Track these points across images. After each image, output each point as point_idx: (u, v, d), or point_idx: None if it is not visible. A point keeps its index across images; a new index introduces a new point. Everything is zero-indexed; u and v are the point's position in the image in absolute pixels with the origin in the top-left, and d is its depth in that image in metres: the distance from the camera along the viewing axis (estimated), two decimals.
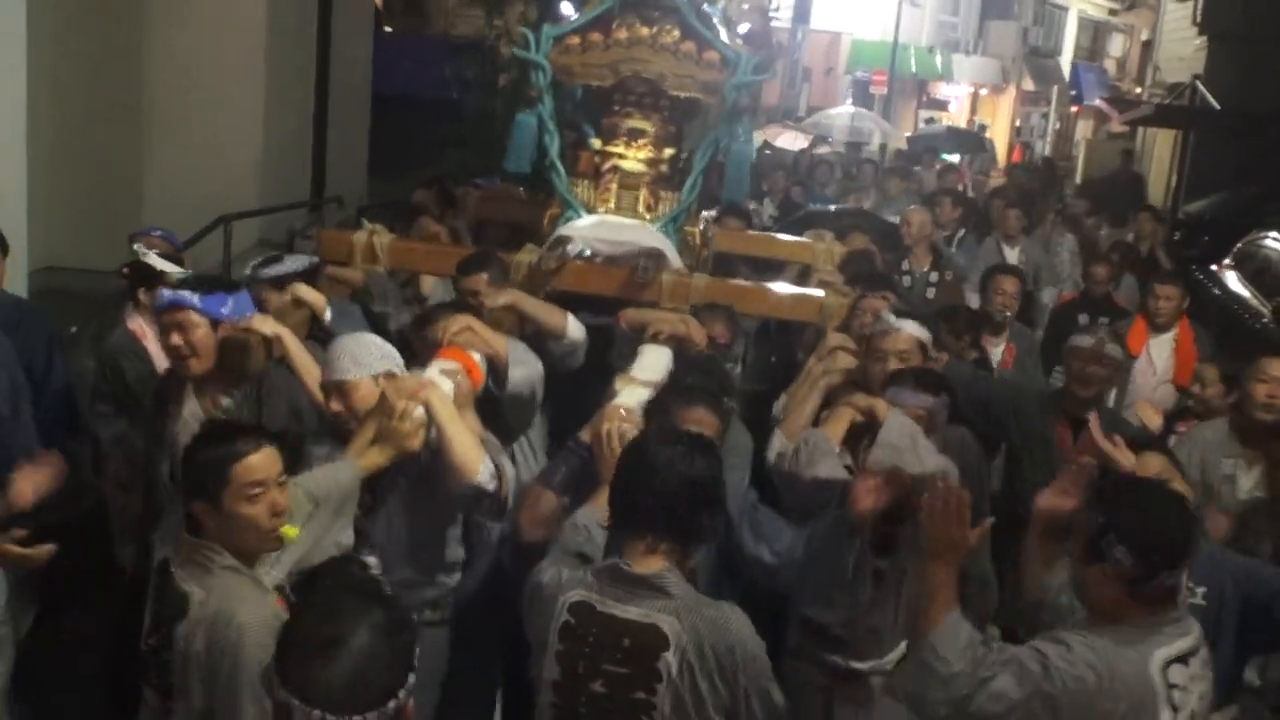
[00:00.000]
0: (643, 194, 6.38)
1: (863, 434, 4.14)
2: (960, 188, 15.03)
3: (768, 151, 20.21)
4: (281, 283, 5.01)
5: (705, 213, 6.95)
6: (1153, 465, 4.05)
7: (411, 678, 2.34)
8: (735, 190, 6.37)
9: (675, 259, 6.06)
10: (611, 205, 6.41)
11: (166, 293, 4.41)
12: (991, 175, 24.68)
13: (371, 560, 2.82)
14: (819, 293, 6.02)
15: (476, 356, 4.36)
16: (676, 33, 6.25)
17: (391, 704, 2.30)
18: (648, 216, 6.36)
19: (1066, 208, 13.91)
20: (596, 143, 6.52)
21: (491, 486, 3.77)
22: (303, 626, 2.36)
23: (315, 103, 11.22)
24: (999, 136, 34.71)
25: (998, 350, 7.20)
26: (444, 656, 4.07)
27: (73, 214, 9.15)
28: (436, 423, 3.79)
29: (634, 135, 6.43)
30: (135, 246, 5.71)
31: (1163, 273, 9.21)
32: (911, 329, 4.88)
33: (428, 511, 3.98)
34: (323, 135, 11.25)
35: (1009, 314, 7.30)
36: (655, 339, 4.91)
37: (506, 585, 3.94)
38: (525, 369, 4.58)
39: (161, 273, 5.30)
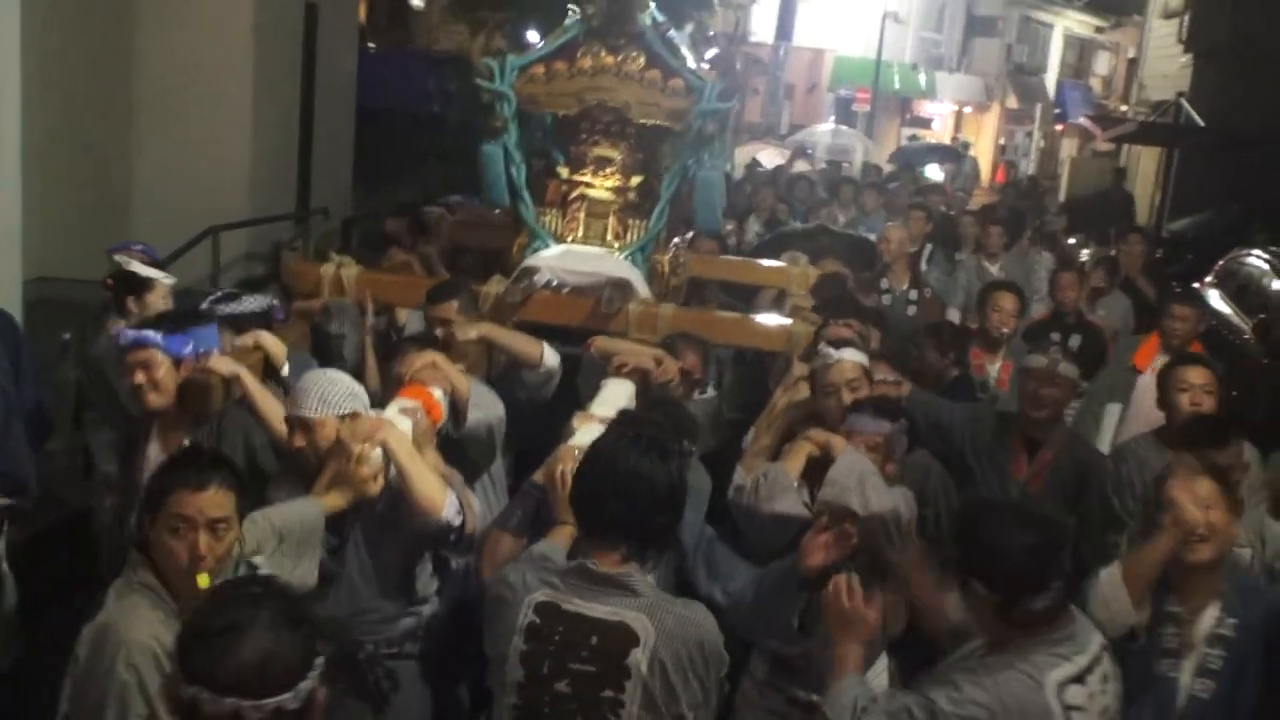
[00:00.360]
0: (611, 222, 6.36)
1: (821, 469, 4.07)
2: (943, 206, 14.94)
3: (759, 169, 20.18)
4: (238, 322, 4.94)
5: (676, 240, 6.87)
6: None
7: (319, 662, 2.27)
8: (706, 218, 6.32)
9: (643, 288, 6.02)
10: (580, 234, 6.37)
11: (130, 332, 4.38)
12: (975, 193, 24.71)
13: (259, 560, 2.74)
14: (786, 321, 5.95)
15: (438, 393, 4.31)
16: (642, 60, 6.25)
17: (303, 684, 2.23)
18: (616, 245, 6.33)
19: (1045, 225, 13.74)
20: (564, 171, 6.48)
21: (457, 521, 3.74)
22: (200, 622, 2.28)
23: (301, 117, 11.33)
24: (983, 154, 34.72)
25: (994, 368, 7.07)
26: (418, 688, 4.02)
27: (63, 226, 9.15)
28: (396, 463, 3.75)
29: (601, 163, 6.41)
30: (116, 258, 5.71)
31: (1180, 293, 9.03)
32: (851, 356, 4.78)
33: (394, 549, 3.92)
34: (308, 149, 11.35)
35: (1005, 331, 7.17)
36: (620, 371, 4.83)
37: (474, 616, 3.88)
38: (483, 412, 4.53)
39: (148, 279, 5.26)
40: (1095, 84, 29.85)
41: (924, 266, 10.37)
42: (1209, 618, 3.74)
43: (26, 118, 7.30)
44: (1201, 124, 18.55)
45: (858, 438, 4.20)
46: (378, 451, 3.75)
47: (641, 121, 6.26)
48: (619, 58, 6.19)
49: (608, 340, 5.25)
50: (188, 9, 10.42)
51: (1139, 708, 3.67)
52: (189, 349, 4.31)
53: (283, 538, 3.57)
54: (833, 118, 35.44)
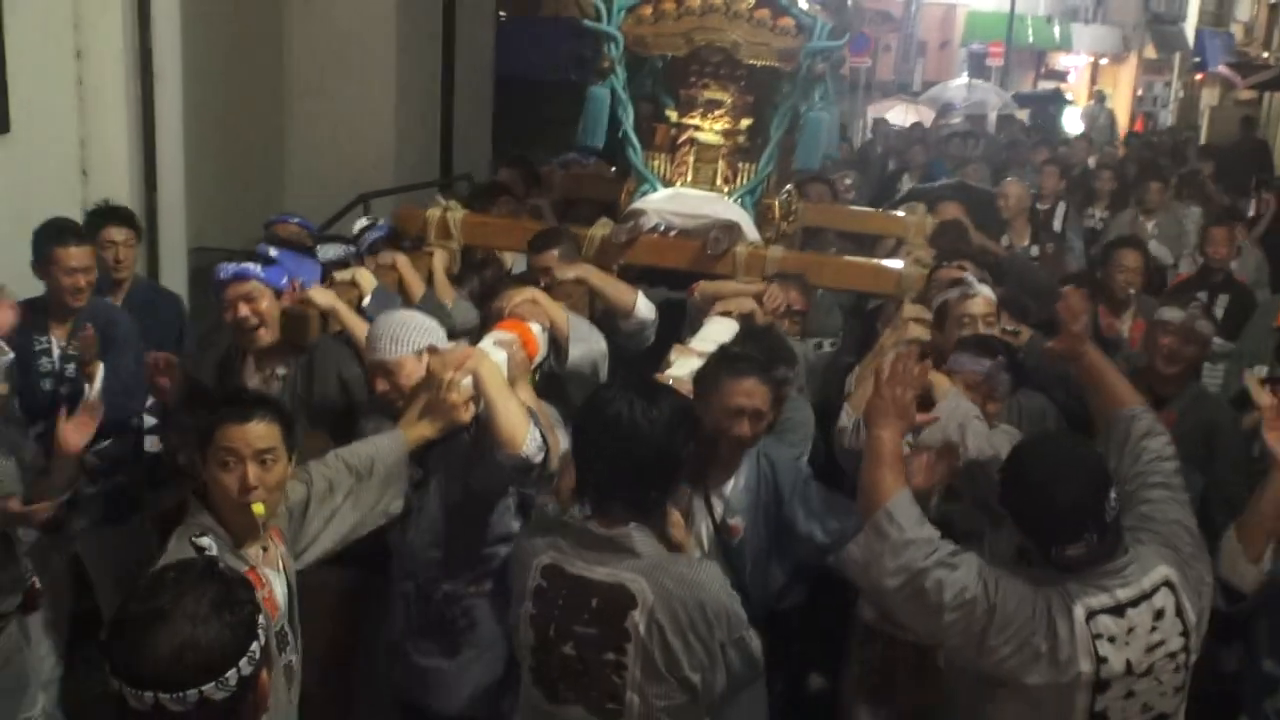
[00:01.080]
0: (720, 166, 6.26)
1: (924, 408, 3.97)
2: (1087, 160, 14.40)
3: (888, 127, 19.80)
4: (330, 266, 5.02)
5: (789, 185, 6.77)
6: None
7: (255, 647, 2.17)
8: (808, 158, 6.13)
9: (752, 231, 5.92)
10: (689, 178, 6.30)
11: (230, 265, 4.42)
12: (1115, 146, 24.03)
13: (204, 541, 2.69)
14: (897, 264, 5.83)
15: (536, 329, 4.30)
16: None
17: (231, 675, 2.12)
18: (725, 189, 6.24)
19: (1190, 175, 13.00)
20: (672, 115, 6.39)
21: (538, 458, 3.67)
22: (124, 611, 2.17)
23: (442, 88, 11.45)
24: (1120, 106, 33.68)
25: (1124, 327, 6.79)
26: (495, 626, 3.97)
27: (220, 197, 9.31)
28: (483, 392, 3.72)
29: (710, 106, 6.31)
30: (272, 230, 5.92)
31: None
32: (988, 292, 4.68)
33: (476, 484, 3.89)
34: (450, 118, 11.47)
35: (1132, 290, 6.89)
36: (724, 314, 4.77)
37: None
38: (585, 346, 4.49)
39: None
40: (1236, 31, 28.67)
41: (1057, 225, 10.12)
42: None
43: (186, 99, 7.56)
44: None
45: (958, 376, 4.12)
46: (468, 380, 3.72)
47: (751, 62, 6.13)
48: None
49: (711, 284, 5.20)
50: None
51: None
52: (285, 281, 4.34)
53: (360, 475, 3.56)
54: (965, 73, 34.72)
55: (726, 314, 4.78)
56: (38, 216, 5.20)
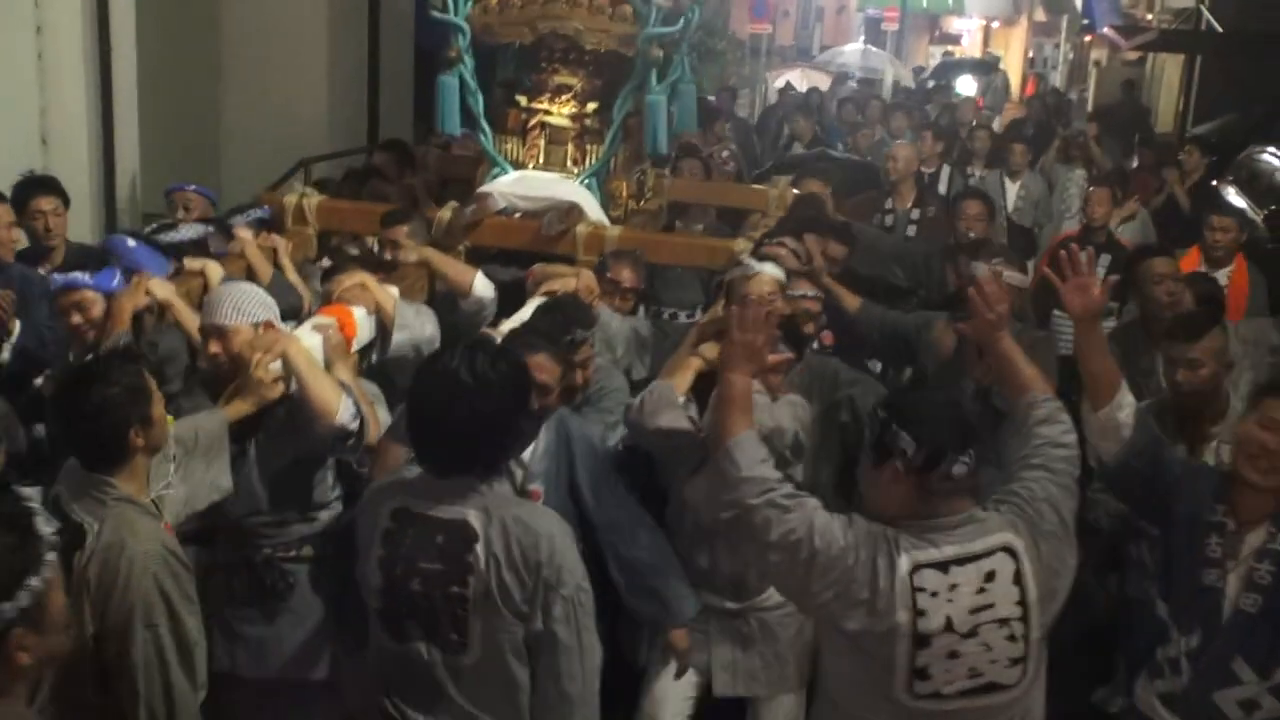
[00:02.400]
0: (569, 149, 6.48)
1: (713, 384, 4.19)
2: (973, 121, 14.63)
3: (791, 93, 20.01)
4: (177, 250, 5.16)
5: (643, 165, 7.00)
6: None
7: (45, 569, 2.26)
8: (653, 141, 6.38)
9: (595, 212, 6.15)
10: (540, 161, 6.53)
11: (59, 276, 4.58)
12: (1006, 108, 24.45)
13: (27, 491, 2.85)
14: (731, 241, 6.06)
15: (360, 313, 4.52)
16: None
17: (20, 592, 2.23)
18: (575, 170, 6.45)
19: (1074, 137, 13.28)
20: (523, 99, 6.60)
21: (353, 426, 3.88)
22: None
23: (369, 57, 11.60)
24: (1012, 68, 34.12)
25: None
26: (312, 591, 4.13)
27: (163, 164, 9.26)
28: (293, 371, 3.91)
29: (559, 91, 6.54)
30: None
31: (1219, 204, 8.88)
32: (770, 270, 4.87)
33: (291, 455, 4.06)
34: (375, 86, 11.63)
35: (973, 236, 7.19)
36: (545, 293, 4.97)
37: None
38: (409, 332, 4.68)
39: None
40: None
41: (942, 189, 10.32)
42: (1260, 533, 3.69)
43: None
44: (1220, 30, 18.34)
45: None
46: (277, 362, 3.92)
47: (594, 48, 6.36)
48: None
49: (543, 267, 5.39)
50: None
51: (1184, 615, 3.75)
52: (116, 281, 4.50)
53: (187, 448, 3.74)
54: (862, 38, 35.05)
55: (550, 293, 4.97)
56: (1, 183, 5.51)
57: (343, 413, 3.83)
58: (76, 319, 4.50)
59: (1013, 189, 10.38)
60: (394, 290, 4.89)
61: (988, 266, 5.38)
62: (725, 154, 10.58)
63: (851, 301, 5.67)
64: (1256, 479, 3.70)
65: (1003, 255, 5.90)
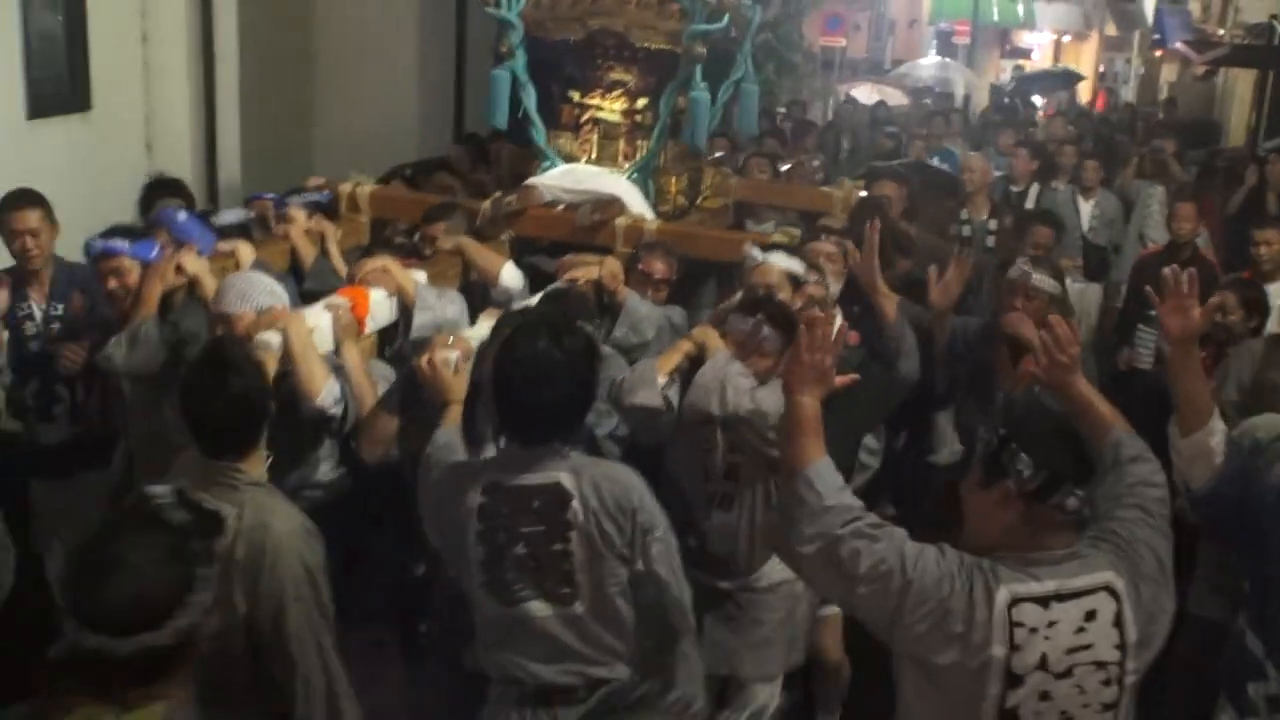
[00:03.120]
0: (620, 144, 6.61)
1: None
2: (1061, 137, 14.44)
3: (848, 105, 20.06)
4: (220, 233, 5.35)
5: (711, 157, 7.16)
6: None
7: (196, 602, 2.32)
8: (692, 135, 6.49)
9: (639, 205, 6.26)
10: (593, 155, 6.66)
11: (98, 242, 4.74)
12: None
13: (158, 490, 2.97)
14: (765, 237, 6.12)
15: (379, 295, 4.67)
16: None
17: (175, 622, 2.27)
18: (625, 165, 6.58)
19: (1152, 153, 12.69)
20: (575, 95, 6.74)
21: (334, 410, 4.08)
22: (81, 554, 2.30)
23: (455, 61, 11.91)
24: (1083, 83, 34.13)
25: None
26: None
27: (261, 167, 9.56)
28: (288, 349, 4.08)
29: (611, 87, 6.66)
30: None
31: (1261, 218, 8.72)
32: (779, 261, 4.96)
33: (282, 431, 4.10)
34: (461, 90, 11.90)
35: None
36: (567, 281, 5.10)
37: None
38: (432, 314, 4.77)
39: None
40: (1193, 8, 28.99)
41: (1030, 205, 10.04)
42: None
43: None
44: None
45: (729, 335, 4.39)
46: (277, 339, 4.08)
47: (644, 45, 6.49)
48: None
49: (571, 257, 5.48)
50: None
51: None
52: (155, 253, 4.66)
53: None
54: (934, 51, 35.01)
55: (573, 281, 5.09)
56: (108, 187, 5.93)
57: (325, 396, 4.03)
58: (113, 284, 4.67)
59: (1086, 207, 10.22)
60: (421, 275, 5.03)
61: (1017, 266, 5.45)
62: (815, 163, 10.66)
63: (889, 311, 5.64)
64: None
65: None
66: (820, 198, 7.75)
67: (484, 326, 4.34)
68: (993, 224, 8.78)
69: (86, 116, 6.93)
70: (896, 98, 22.32)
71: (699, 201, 7.15)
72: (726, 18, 6.27)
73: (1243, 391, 5.27)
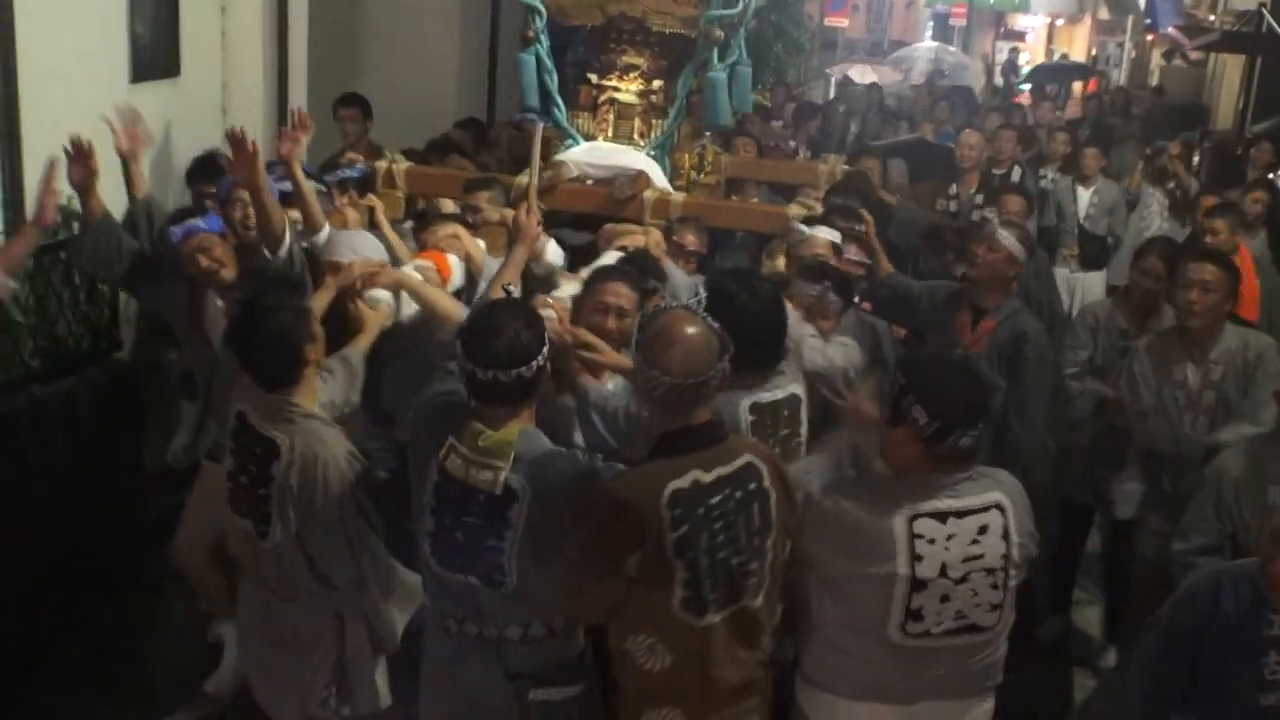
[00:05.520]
0: (636, 123, 7.04)
1: None
2: (1051, 124, 14.62)
3: (851, 87, 20.41)
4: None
5: (705, 138, 7.56)
6: None
7: (546, 350, 3.40)
8: (711, 114, 6.92)
9: (660, 179, 6.68)
10: (609, 134, 7.07)
11: (178, 229, 5.04)
12: (1068, 106, 24.66)
13: (511, 288, 3.89)
14: (784, 208, 6.59)
15: (454, 260, 5.05)
16: None
17: (536, 360, 3.36)
18: (641, 143, 7.00)
19: (1154, 157, 12.08)
20: (594, 77, 7.16)
21: None
22: (472, 323, 3.47)
23: (490, 42, 12.38)
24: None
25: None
26: None
27: (321, 132, 9.96)
28: (411, 292, 4.56)
29: (627, 69, 7.09)
30: None
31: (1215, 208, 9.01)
32: (824, 234, 5.45)
33: (415, 375, 4.40)
34: (494, 70, 12.38)
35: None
36: (617, 247, 5.51)
37: None
38: None
39: None
40: None
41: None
42: None
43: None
44: None
45: (795, 299, 4.83)
46: (388, 296, 4.54)
47: (660, 29, 6.91)
48: None
49: (613, 226, 5.92)
50: None
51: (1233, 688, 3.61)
52: (219, 225, 5.09)
53: (333, 370, 4.28)
54: (929, 34, 35.39)
55: (622, 249, 5.47)
56: (188, 149, 6.65)
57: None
58: (205, 261, 4.96)
59: (1085, 195, 10.27)
60: (481, 243, 5.40)
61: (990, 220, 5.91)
62: (792, 143, 11.08)
63: (886, 266, 6.19)
64: None
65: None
66: (806, 171, 8.15)
67: (570, 288, 4.73)
68: (979, 199, 9.02)
69: (175, 82, 7.41)
70: (889, 77, 22.68)
71: (700, 177, 7.57)
72: (741, 2, 6.69)
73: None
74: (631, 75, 7.04)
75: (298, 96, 8.59)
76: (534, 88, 6.97)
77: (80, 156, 5.04)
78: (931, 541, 3.32)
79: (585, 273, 4.99)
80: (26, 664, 5.12)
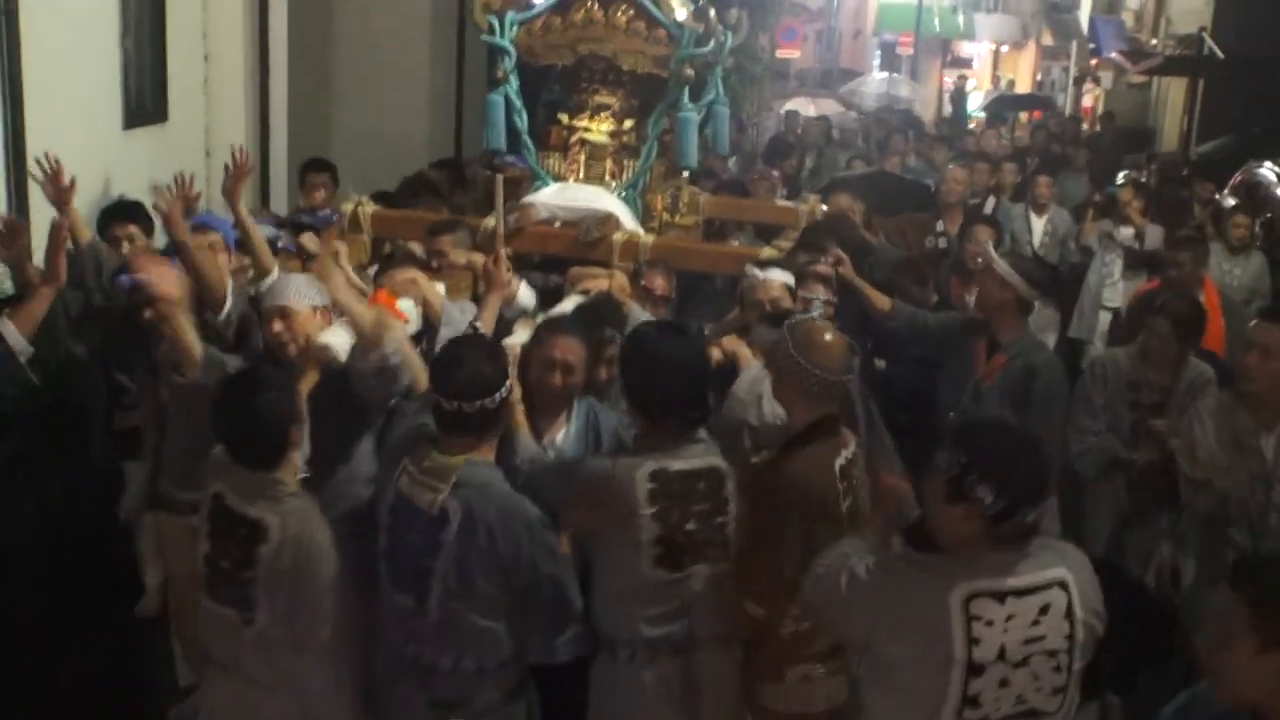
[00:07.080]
0: (608, 164, 6.95)
1: (730, 376, 4.80)
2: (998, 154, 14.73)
3: (793, 118, 20.41)
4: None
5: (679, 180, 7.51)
6: None
7: (508, 383, 3.78)
8: (682, 154, 6.84)
9: (630, 222, 6.59)
10: (580, 175, 6.97)
11: (126, 278, 4.96)
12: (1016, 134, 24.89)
13: (479, 324, 4.40)
14: (757, 250, 6.51)
15: (407, 304, 4.88)
16: (631, 12, 6.74)
17: (499, 393, 3.70)
18: (613, 184, 6.92)
19: (1105, 205, 11.49)
20: (564, 117, 7.09)
21: (394, 360, 4.26)
22: (440, 356, 3.83)
23: (456, 82, 12.65)
24: (1022, 91, 34.82)
25: (971, 297, 7.31)
26: None
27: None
28: (340, 305, 4.40)
29: (598, 109, 7.00)
30: None
31: (1235, 205, 9.40)
32: (776, 275, 5.40)
33: (340, 425, 4.44)
34: (460, 110, 12.67)
35: (980, 261, 7.54)
36: (581, 291, 5.44)
37: None
38: (454, 329, 4.92)
39: None
40: (1127, 18, 29.78)
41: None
42: None
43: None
44: (1221, 55, 18.93)
45: (757, 346, 4.78)
46: (338, 339, 4.43)
47: (631, 69, 6.84)
48: (608, 11, 6.72)
49: (580, 269, 5.85)
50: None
51: None
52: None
53: None
54: (877, 62, 35.64)
55: (585, 292, 5.40)
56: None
57: (388, 344, 4.22)
58: (150, 314, 4.83)
59: (1039, 224, 10.30)
60: (441, 287, 5.23)
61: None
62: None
63: (883, 303, 6.18)
64: None
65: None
66: (785, 213, 8.06)
67: (522, 335, 4.66)
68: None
69: (164, 127, 7.89)
70: (832, 109, 22.73)
71: (675, 218, 7.51)
72: (712, 42, 6.64)
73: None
74: (603, 115, 6.96)
75: (278, 138, 8.94)
76: (500, 128, 6.90)
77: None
78: (990, 623, 3.15)
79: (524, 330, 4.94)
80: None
